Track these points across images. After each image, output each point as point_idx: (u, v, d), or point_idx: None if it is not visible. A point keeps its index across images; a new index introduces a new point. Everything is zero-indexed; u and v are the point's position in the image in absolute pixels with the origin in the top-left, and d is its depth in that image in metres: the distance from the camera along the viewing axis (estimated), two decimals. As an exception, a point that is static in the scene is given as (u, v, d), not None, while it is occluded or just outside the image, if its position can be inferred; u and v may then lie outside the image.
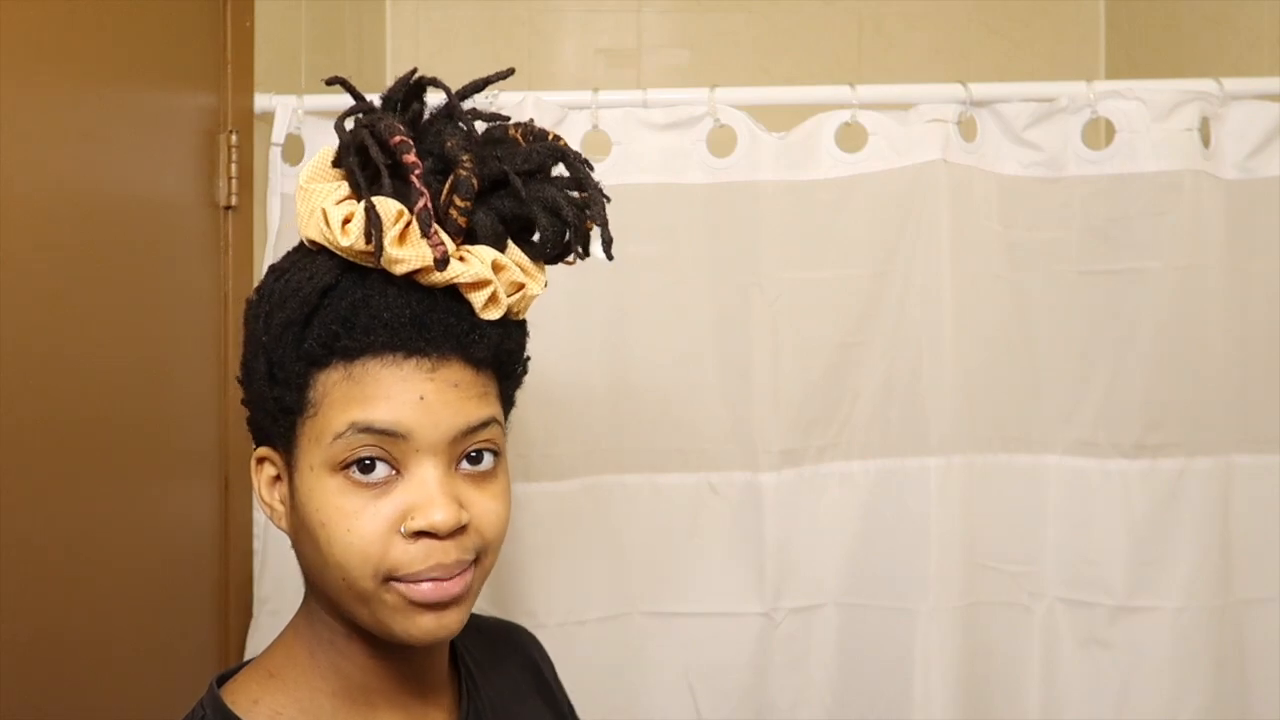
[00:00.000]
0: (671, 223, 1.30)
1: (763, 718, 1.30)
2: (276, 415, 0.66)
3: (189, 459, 1.19)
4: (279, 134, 1.31)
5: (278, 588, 1.27)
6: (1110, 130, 1.30)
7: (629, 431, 1.31)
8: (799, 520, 1.30)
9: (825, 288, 1.31)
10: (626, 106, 1.31)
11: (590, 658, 1.29)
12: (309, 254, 0.67)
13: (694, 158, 1.30)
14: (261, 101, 1.33)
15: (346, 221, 0.63)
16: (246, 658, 1.25)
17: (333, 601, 0.67)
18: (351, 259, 0.64)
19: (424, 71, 0.74)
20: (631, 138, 1.30)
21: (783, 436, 1.30)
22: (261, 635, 1.27)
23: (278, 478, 0.69)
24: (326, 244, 0.64)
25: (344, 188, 0.66)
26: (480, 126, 0.71)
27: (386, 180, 0.65)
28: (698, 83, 1.34)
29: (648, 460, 1.31)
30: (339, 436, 0.63)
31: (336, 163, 0.68)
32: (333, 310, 0.64)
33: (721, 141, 1.31)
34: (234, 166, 1.26)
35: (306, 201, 0.66)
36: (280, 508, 0.69)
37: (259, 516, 1.31)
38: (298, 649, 0.70)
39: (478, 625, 0.85)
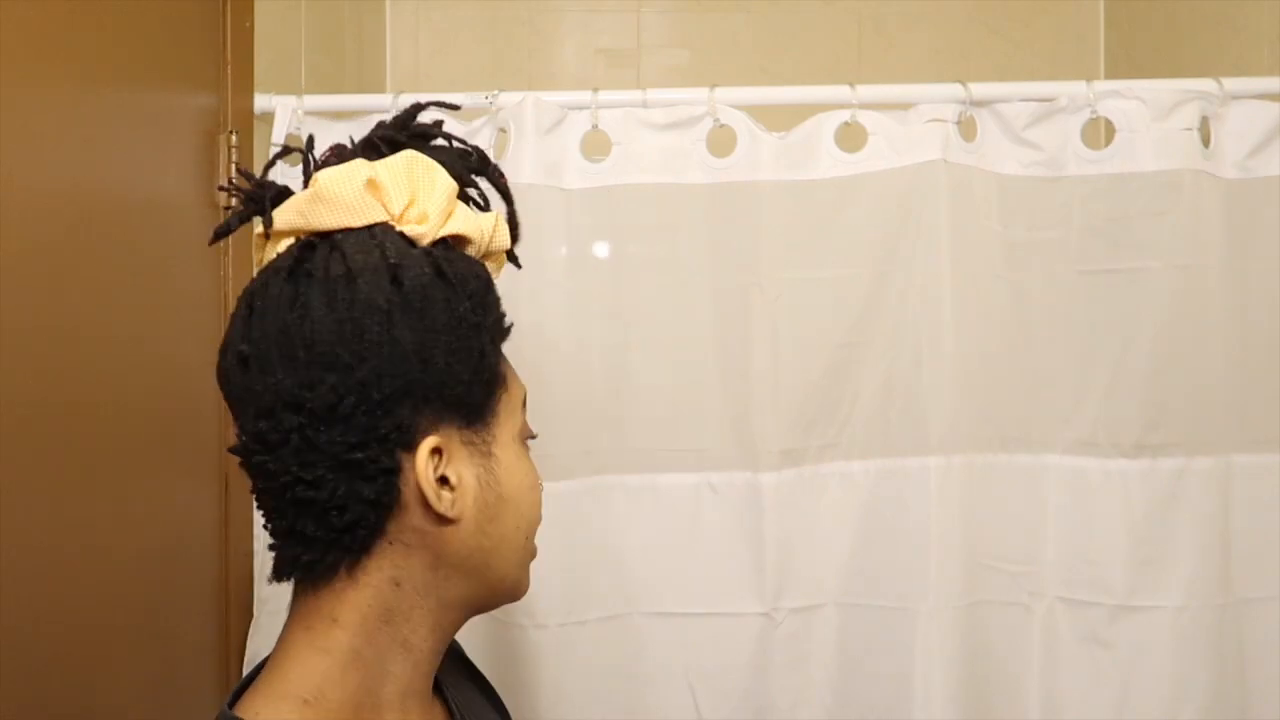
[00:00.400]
0: (671, 223, 1.30)
1: (763, 718, 1.30)
2: (490, 392, 0.68)
3: (189, 459, 1.19)
4: (279, 134, 1.31)
5: (278, 588, 1.26)
6: (1110, 130, 1.30)
7: (629, 431, 1.31)
8: (799, 520, 1.30)
9: (825, 287, 1.31)
10: (626, 107, 1.31)
11: (590, 658, 1.29)
12: (430, 251, 0.66)
13: (694, 158, 1.30)
14: (261, 102, 1.34)
15: (496, 228, 0.73)
16: (247, 658, 1.25)
17: (496, 576, 0.70)
18: (493, 262, 0.74)
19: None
20: (631, 138, 1.30)
21: (783, 436, 1.30)
22: (262, 636, 1.27)
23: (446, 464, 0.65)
24: (492, 247, 0.72)
25: (450, 199, 0.70)
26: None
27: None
28: (697, 83, 1.34)
29: (648, 460, 1.31)
30: (524, 404, 0.72)
31: (461, 196, 0.73)
32: (495, 293, 0.70)
33: (721, 141, 1.31)
34: (234, 167, 1.25)
35: (475, 220, 0.71)
36: (469, 488, 0.66)
37: (259, 516, 1.31)
38: (345, 673, 0.65)
39: None
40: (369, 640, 0.66)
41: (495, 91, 1.34)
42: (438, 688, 0.75)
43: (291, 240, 0.67)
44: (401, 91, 1.96)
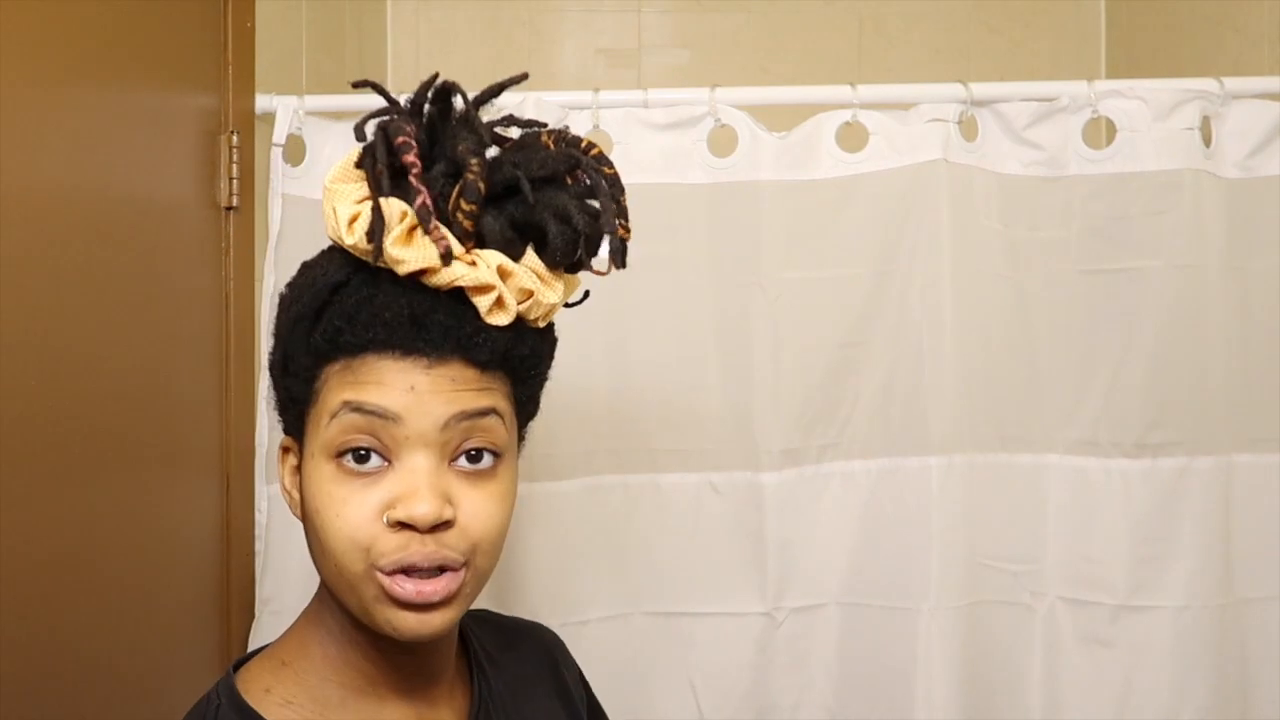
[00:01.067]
0: (672, 223, 1.30)
1: (765, 718, 1.30)
2: (288, 405, 0.71)
3: (190, 459, 1.19)
4: (280, 134, 1.31)
5: (279, 588, 1.27)
6: (1111, 129, 1.30)
7: (630, 431, 1.31)
8: (800, 520, 1.30)
9: (826, 287, 1.31)
10: (627, 107, 1.31)
11: (592, 658, 1.29)
12: (331, 252, 0.69)
13: (695, 158, 1.30)
14: (262, 102, 1.34)
15: (353, 220, 0.65)
16: (251, 655, 1.25)
17: (331, 590, 0.68)
18: (360, 257, 0.65)
19: (424, 72, 0.75)
20: (632, 138, 1.30)
21: (784, 436, 1.30)
22: (264, 636, 1.27)
23: (297, 468, 0.70)
24: (337, 241, 0.66)
25: (363, 189, 0.67)
26: (515, 132, 0.73)
27: (386, 181, 0.66)
28: (698, 83, 1.34)
29: (649, 460, 1.31)
30: (334, 417, 0.65)
31: (358, 164, 0.69)
32: (339, 307, 0.66)
33: (722, 141, 1.31)
34: (235, 167, 1.26)
35: (328, 200, 0.67)
36: (297, 496, 0.70)
37: (260, 517, 1.31)
38: (309, 638, 0.71)
39: (497, 622, 0.86)
40: (319, 609, 0.71)
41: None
42: (472, 673, 0.78)
43: None
44: (403, 92, 1.94)
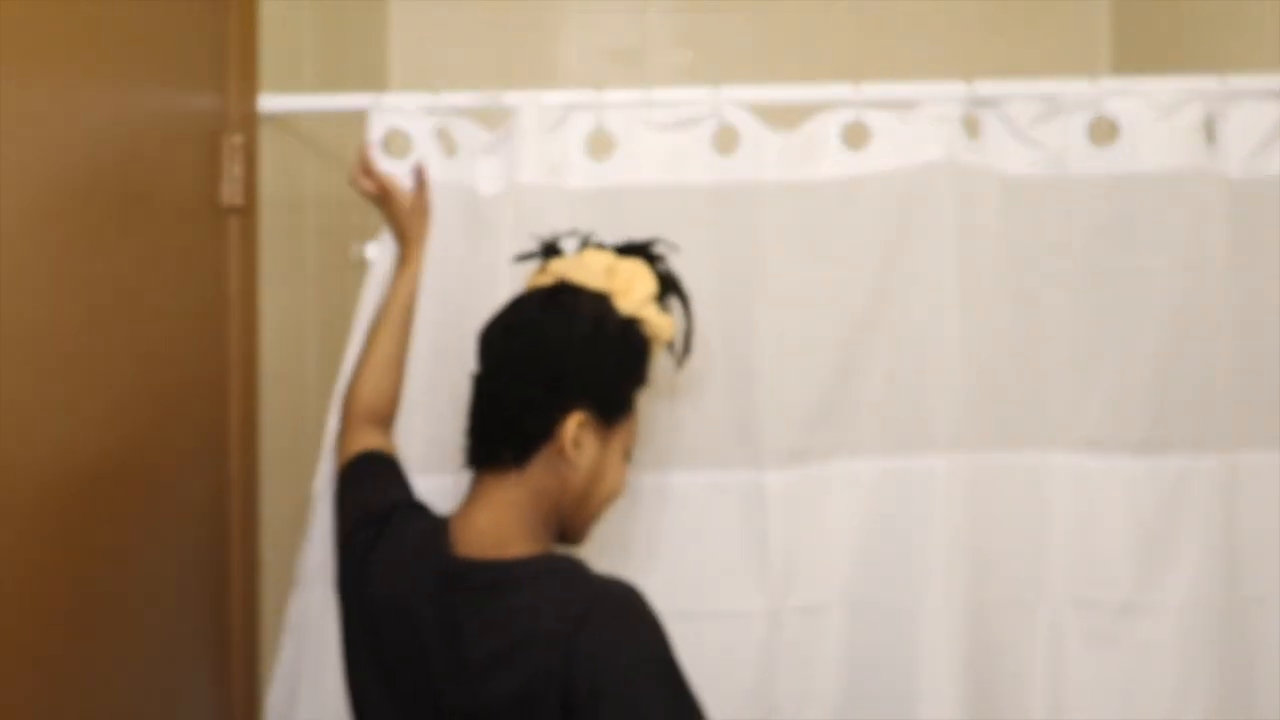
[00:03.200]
0: (675, 222, 1.30)
1: (770, 717, 1.30)
2: (621, 405, 1.07)
3: (191, 459, 1.19)
4: (376, 132, 1.31)
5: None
6: (1114, 128, 1.29)
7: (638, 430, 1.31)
8: (805, 519, 1.30)
9: (830, 287, 1.30)
10: (630, 107, 1.31)
11: None
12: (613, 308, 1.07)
13: (698, 157, 1.30)
14: (265, 102, 1.34)
15: (647, 300, 1.10)
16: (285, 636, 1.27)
17: (580, 519, 1.09)
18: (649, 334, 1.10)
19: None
20: (635, 137, 1.30)
21: (788, 435, 1.30)
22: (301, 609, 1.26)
23: (594, 441, 1.05)
24: (644, 322, 1.09)
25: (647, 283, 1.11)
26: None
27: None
28: (702, 82, 1.34)
29: (653, 458, 1.31)
30: (629, 430, 1.10)
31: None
32: (647, 355, 1.10)
33: (725, 141, 1.30)
34: (238, 168, 1.26)
35: (628, 277, 1.10)
36: (588, 453, 1.04)
37: (263, 517, 1.31)
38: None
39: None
40: (544, 534, 1.08)
41: (496, 92, 1.34)
42: None
43: (551, 278, 1.10)
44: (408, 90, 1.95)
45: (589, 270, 1.07)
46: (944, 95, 1.30)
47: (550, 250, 1.14)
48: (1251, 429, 1.29)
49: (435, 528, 1.06)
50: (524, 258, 1.18)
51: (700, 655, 1.29)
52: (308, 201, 1.57)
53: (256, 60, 1.33)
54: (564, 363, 1.02)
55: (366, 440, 1.22)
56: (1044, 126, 1.30)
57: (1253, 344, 1.29)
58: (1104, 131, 1.31)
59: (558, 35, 2.13)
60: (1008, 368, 1.30)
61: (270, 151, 1.37)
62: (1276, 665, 1.29)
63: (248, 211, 1.28)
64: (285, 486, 1.45)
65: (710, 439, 1.31)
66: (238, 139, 1.26)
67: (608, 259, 1.09)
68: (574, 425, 1.02)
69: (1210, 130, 1.29)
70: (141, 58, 1.09)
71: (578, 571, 1.01)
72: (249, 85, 1.31)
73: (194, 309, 1.20)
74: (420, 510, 1.13)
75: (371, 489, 1.16)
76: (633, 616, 0.96)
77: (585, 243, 1.16)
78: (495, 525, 1.03)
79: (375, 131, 1.31)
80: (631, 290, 1.07)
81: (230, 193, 1.25)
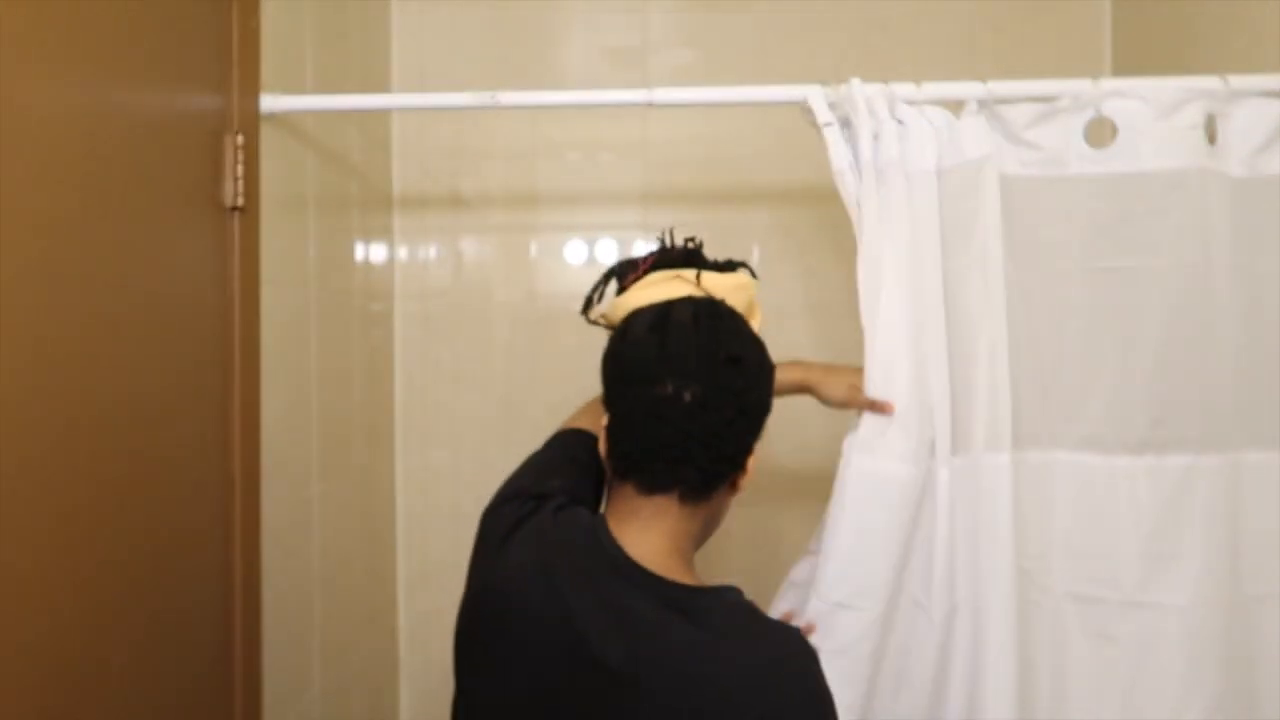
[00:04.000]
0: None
1: None
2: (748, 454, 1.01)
3: (193, 459, 1.19)
4: (825, 114, 1.29)
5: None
6: (1114, 128, 1.29)
7: None
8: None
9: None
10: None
11: None
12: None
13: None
14: (267, 102, 1.34)
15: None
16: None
17: (698, 546, 1.03)
18: None
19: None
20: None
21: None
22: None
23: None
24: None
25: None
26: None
27: None
28: (704, 82, 1.33)
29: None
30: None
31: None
32: None
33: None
34: (240, 167, 1.26)
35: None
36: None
37: (266, 518, 1.31)
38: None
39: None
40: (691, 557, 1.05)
41: (494, 93, 1.34)
42: None
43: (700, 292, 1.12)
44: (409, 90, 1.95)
45: (747, 294, 1.11)
46: (961, 94, 1.30)
47: (699, 260, 1.15)
48: (1255, 429, 1.29)
49: (592, 538, 0.99)
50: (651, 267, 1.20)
51: None
52: (309, 201, 1.57)
53: (258, 60, 1.33)
54: (765, 398, 1.01)
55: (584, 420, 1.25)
56: (1045, 126, 1.29)
57: (1255, 343, 1.29)
58: (1104, 132, 1.31)
59: (559, 35, 2.13)
60: (1010, 367, 1.30)
61: (272, 151, 1.37)
62: (1276, 660, 1.29)
63: (249, 211, 1.28)
64: (287, 486, 1.45)
65: None
66: (239, 139, 1.26)
67: (750, 284, 1.12)
68: (752, 462, 1.00)
69: (1212, 130, 1.28)
70: (144, 58, 1.09)
71: (758, 612, 0.97)
72: (251, 85, 1.31)
73: (196, 308, 1.20)
74: (576, 505, 1.05)
75: (545, 470, 1.13)
76: (816, 667, 0.92)
77: (731, 263, 1.18)
78: (662, 544, 0.97)
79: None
80: (755, 310, 1.14)
81: (232, 192, 1.25)
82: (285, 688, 1.44)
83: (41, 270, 0.89)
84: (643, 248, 2.09)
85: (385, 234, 2.06)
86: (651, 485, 0.97)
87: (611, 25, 2.14)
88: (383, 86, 2.04)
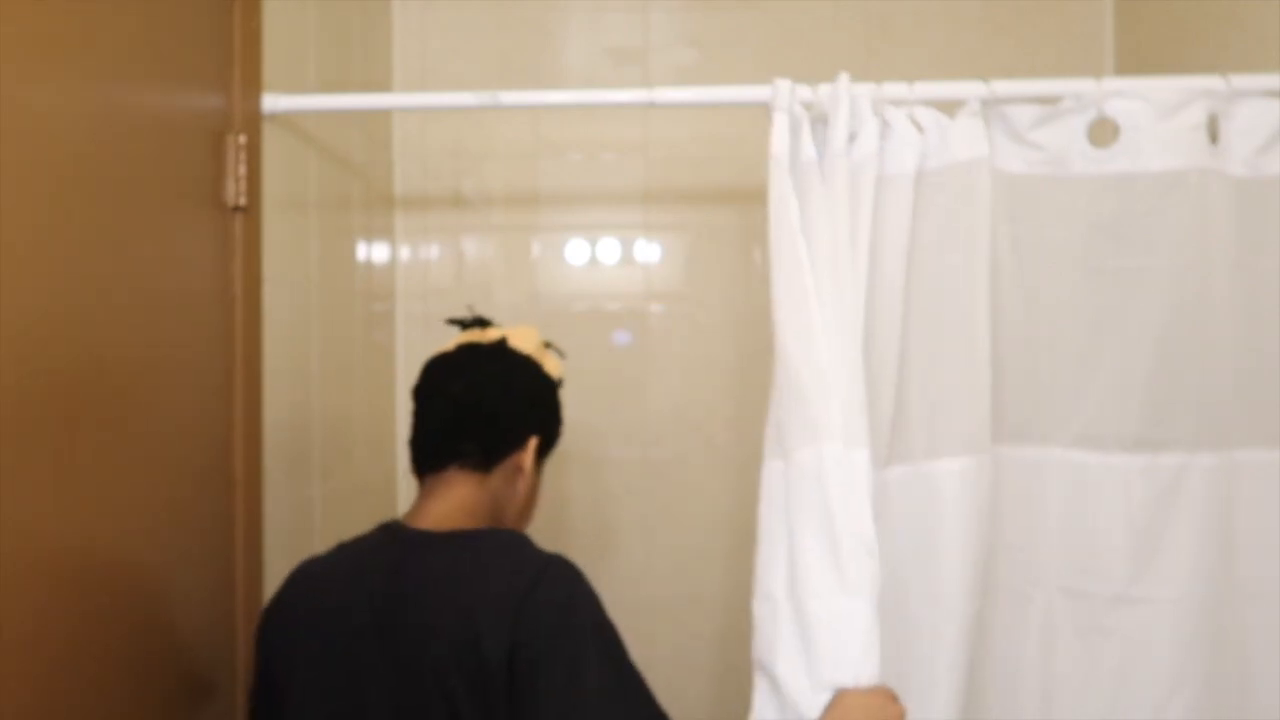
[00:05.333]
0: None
1: None
2: (554, 442, 1.27)
3: (194, 459, 1.19)
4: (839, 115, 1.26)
5: None
6: (1116, 128, 1.29)
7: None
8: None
9: None
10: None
11: None
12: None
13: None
14: (269, 102, 1.34)
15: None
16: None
17: (517, 523, 1.23)
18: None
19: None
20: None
21: None
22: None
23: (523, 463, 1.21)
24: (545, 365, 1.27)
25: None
26: None
27: None
28: (705, 82, 1.33)
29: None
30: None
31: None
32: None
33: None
34: (242, 167, 1.26)
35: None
36: (530, 475, 1.22)
37: (268, 519, 1.31)
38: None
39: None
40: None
41: (495, 93, 1.34)
42: None
43: (500, 339, 1.26)
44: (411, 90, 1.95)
45: (530, 341, 1.27)
46: (960, 94, 1.30)
47: (483, 321, 1.32)
48: (1255, 428, 1.30)
49: (379, 529, 1.18)
50: (456, 323, 1.34)
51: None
52: (311, 201, 1.58)
53: (260, 60, 1.33)
54: (538, 396, 1.24)
55: None
56: (1046, 126, 1.29)
57: (1257, 343, 1.29)
58: (1106, 132, 1.31)
59: (561, 35, 2.14)
60: (1007, 365, 1.30)
61: (274, 151, 1.37)
62: (1272, 657, 1.29)
63: (251, 210, 1.29)
64: (288, 485, 1.45)
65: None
66: (242, 138, 1.26)
67: (538, 337, 1.29)
68: (532, 445, 1.21)
69: (1214, 130, 1.28)
70: (146, 57, 1.09)
71: (527, 542, 1.11)
72: (253, 85, 1.31)
73: (197, 308, 1.20)
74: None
75: None
76: (579, 586, 1.05)
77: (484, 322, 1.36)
78: (450, 511, 1.15)
79: None
80: (554, 368, 1.29)
81: (234, 192, 1.25)
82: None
83: (42, 269, 0.90)
84: (644, 247, 2.12)
85: (387, 234, 2.06)
86: (438, 460, 1.18)
87: (613, 25, 2.14)
88: (384, 86, 2.04)
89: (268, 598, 1.32)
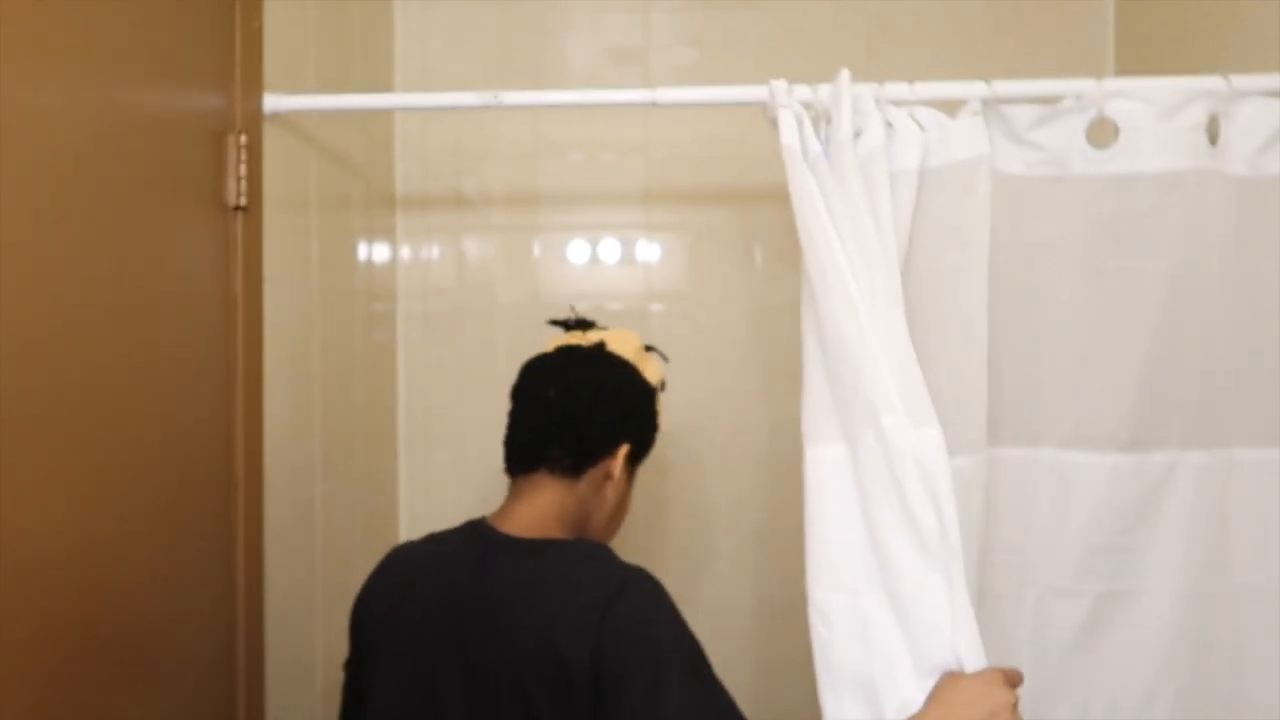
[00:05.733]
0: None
1: None
2: (647, 449, 1.28)
3: (195, 459, 1.19)
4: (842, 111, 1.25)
5: None
6: (1116, 128, 1.29)
7: None
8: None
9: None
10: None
11: None
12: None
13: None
14: (270, 102, 1.34)
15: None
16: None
17: (604, 537, 1.25)
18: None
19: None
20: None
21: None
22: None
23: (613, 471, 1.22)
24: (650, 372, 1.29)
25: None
26: None
27: None
28: (706, 82, 1.33)
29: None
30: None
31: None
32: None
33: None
34: (243, 167, 1.26)
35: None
36: (621, 482, 1.23)
37: (269, 519, 1.31)
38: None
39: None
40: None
41: (496, 93, 1.34)
42: None
43: (599, 343, 1.27)
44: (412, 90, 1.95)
45: (629, 345, 1.27)
46: (960, 94, 1.29)
47: (585, 323, 1.33)
48: (1251, 426, 1.30)
49: (466, 526, 1.23)
50: (559, 324, 1.35)
51: None
52: (312, 201, 1.58)
53: (261, 60, 1.33)
54: (632, 402, 1.25)
55: None
56: (1047, 127, 1.29)
57: (1256, 343, 1.29)
58: (1106, 132, 1.31)
59: (561, 35, 2.14)
60: (1001, 365, 1.30)
61: (275, 151, 1.37)
62: (1266, 659, 1.30)
63: (252, 210, 1.29)
64: (289, 485, 1.45)
65: None
66: (242, 138, 1.26)
67: (638, 341, 1.30)
68: (622, 453, 1.21)
69: (1214, 130, 1.28)
70: (147, 57, 1.09)
71: (611, 555, 1.14)
72: (254, 85, 1.31)
73: (198, 307, 1.20)
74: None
75: None
76: (661, 600, 1.06)
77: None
78: (537, 516, 1.17)
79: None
80: (654, 374, 1.30)
81: (235, 192, 1.25)
82: (288, 687, 1.44)
83: (42, 269, 0.90)
84: (645, 247, 2.12)
85: (388, 234, 2.06)
86: (528, 463, 1.20)
87: (613, 25, 2.14)
88: (385, 86, 2.04)
89: (268, 598, 1.33)
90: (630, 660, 0.99)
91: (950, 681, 1.07)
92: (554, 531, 1.16)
